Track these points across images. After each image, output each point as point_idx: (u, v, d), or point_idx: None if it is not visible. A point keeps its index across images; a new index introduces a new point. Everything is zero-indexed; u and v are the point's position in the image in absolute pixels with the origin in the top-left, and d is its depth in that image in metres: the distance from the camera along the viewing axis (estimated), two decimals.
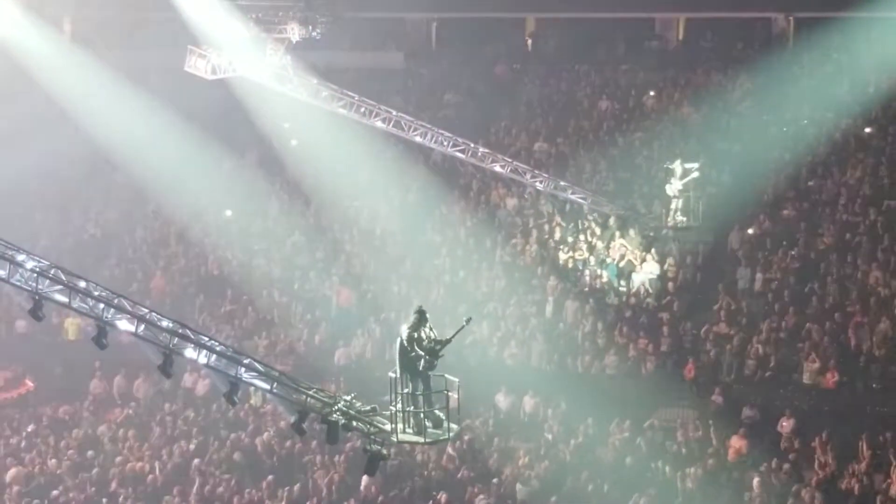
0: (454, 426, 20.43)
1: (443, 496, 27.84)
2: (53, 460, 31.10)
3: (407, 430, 20.01)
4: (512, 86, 47.13)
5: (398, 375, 19.92)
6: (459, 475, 28.84)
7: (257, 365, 20.48)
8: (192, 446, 31.07)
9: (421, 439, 20.23)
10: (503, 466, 28.90)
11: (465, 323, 20.73)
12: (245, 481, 29.47)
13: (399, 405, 19.89)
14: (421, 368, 19.86)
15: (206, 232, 40.55)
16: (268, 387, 20.66)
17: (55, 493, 29.55)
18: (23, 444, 32.30)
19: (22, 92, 38.97)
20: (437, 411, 20.07)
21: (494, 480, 28.19)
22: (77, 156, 40.47)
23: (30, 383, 35.72)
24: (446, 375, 20.18)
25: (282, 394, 20.91)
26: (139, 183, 40.25)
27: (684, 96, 43.18)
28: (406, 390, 19.87)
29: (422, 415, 19.99)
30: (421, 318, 20.12)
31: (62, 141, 39.53)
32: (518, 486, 28.00)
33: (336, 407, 20.24)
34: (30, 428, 33.25)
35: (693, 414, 30.68)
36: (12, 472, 30.55)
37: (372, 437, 20.47)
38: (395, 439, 20.26)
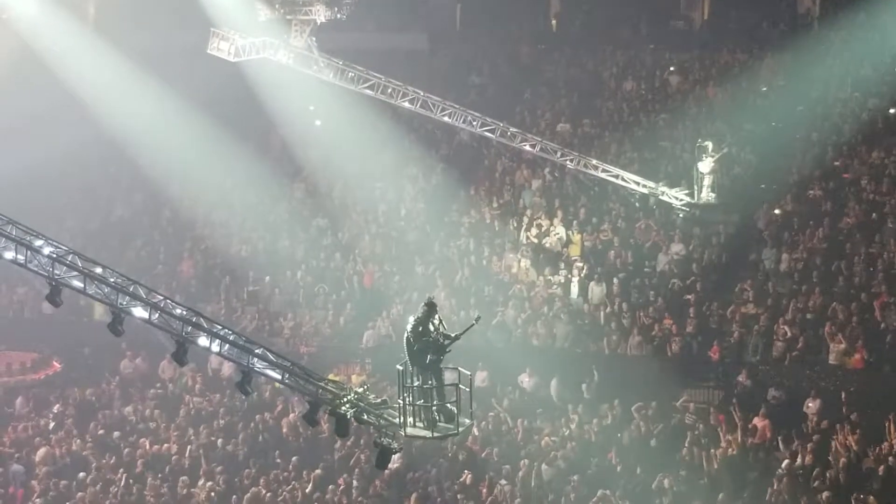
0: (466, 420, 20.10)
1: (468, 476, 27.89)
2: (80, 441, 31.28)
3: (417, 423, 19.67)
4: (536, 67, 47.05)
5: (406, 368, 19.59)
6: (484, 455, 28.89)
7: (269, 355, 20.27)
8: (218, 428, 31.21)
9: (429, 433, 19.78)
10: (528, 447, 28.90)
11: (474, 321, 20.56)
12: (271, 462, 29.59)
13: (408, 398, 19.55)
14: (427, 362, 19.49)
15: (231, 214, 40.68)
16: (279, 377, 20.43)
17: (82, 474, 29.71)
18: (50, 425, 32.51)
19: (48, 76, 39.06)
20: (449, 405, 19.69)
21: (521, 462, 28.20)
22: (102, 138, 40.54)
23: (57, 364, 35.88)
24: (460, 368, 19.93)
25: (293, 384, 20.63)
26: (164, 164, 40.38)
27: (709, 76, 43.08)
28: (417, 383, 19.54)
29: (433, 408, 19.62)
30: (430, 310, 19.80)
31: (87, 124, 39.60)
32: (544, 466, 27.96)
33: (346, 399, 19.92)
34: (56, 409, 33.44)
35: (719, 395, 30.62)
36: (40, 452, 30.76)
37: (383, 430, 20.13)
38: (403, 433, 19.89)
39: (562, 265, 35.41)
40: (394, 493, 27.86)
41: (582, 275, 34.67)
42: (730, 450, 27.60)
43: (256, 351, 20.17)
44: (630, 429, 28.99)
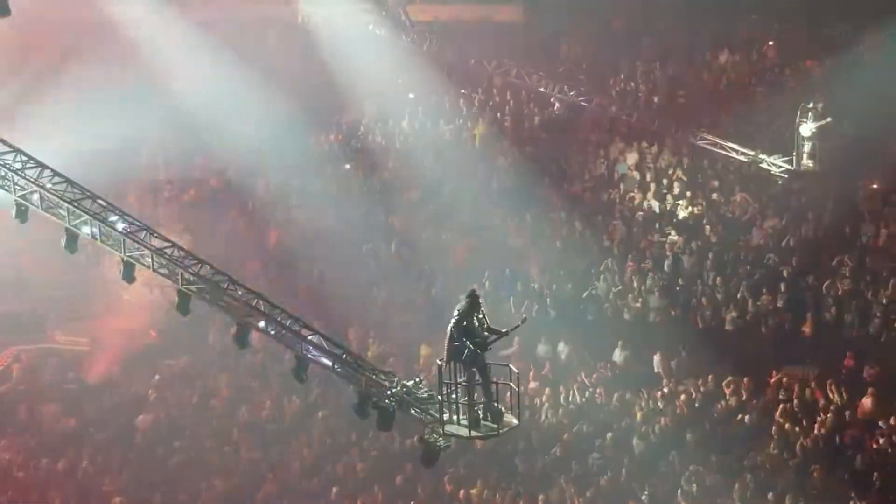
0: (513, 420, 19.23)
1: (558, 449, 27.90)
2: (176, 410, 31.79)
3: (461, 420, 18.95)
4: (630, 38, 46.58)
5: (445, 363, 18.83)
6: (576, 429, 28.86)
7: (324, 342, 20.06)
8: (312, 396, 31.47)
9: (467, 433, 18.99)
10: (620, 420, 28.81)
11: (520, 322, 20.00)
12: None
13: (449, 395, 18.93)
14: (463, 358, 18.66)
15: (325, 184, 40.82)
16: (330, 364, 20.14)
17: (177, 443, 30.19)
18: (148, 393, 33.06)
19: (129, 48, 39.46)
20: (496, 403, 18.99)
21: (609, 434, 28.13)
22: (197, 107, 40.76)
23: (153, 334, 36.41)
24: (510, 366, 19.41)
25: (343, 373, 20.19)
26: (260, 135, 40.59)
27: (809, 47, 42.32)
28: (461, 379, 18.82)
29: (477, 407, 18.89)
30: (473, 303, 19.01)
31: (171, 97, 39.77)
32: (635, 440, 27.93)
33: (391, 391, 19.60)
34: (155, 378, 33.98)
35: (814, 372, 30.23)
36: (138, 420, 31.36)
37: (429, 426, 19.66)
38: (441, 431, 19.28)
39: (655, 238, 35.15)
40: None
41: (675, 248, 34.40)
42: (822, 428, 27.27)
43: (310, 338, 20.05)
44: (721, 404, 28.78)
